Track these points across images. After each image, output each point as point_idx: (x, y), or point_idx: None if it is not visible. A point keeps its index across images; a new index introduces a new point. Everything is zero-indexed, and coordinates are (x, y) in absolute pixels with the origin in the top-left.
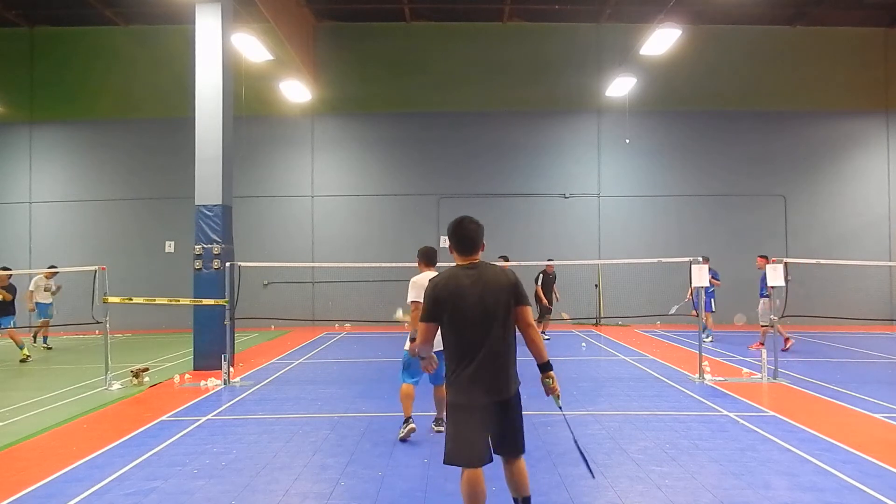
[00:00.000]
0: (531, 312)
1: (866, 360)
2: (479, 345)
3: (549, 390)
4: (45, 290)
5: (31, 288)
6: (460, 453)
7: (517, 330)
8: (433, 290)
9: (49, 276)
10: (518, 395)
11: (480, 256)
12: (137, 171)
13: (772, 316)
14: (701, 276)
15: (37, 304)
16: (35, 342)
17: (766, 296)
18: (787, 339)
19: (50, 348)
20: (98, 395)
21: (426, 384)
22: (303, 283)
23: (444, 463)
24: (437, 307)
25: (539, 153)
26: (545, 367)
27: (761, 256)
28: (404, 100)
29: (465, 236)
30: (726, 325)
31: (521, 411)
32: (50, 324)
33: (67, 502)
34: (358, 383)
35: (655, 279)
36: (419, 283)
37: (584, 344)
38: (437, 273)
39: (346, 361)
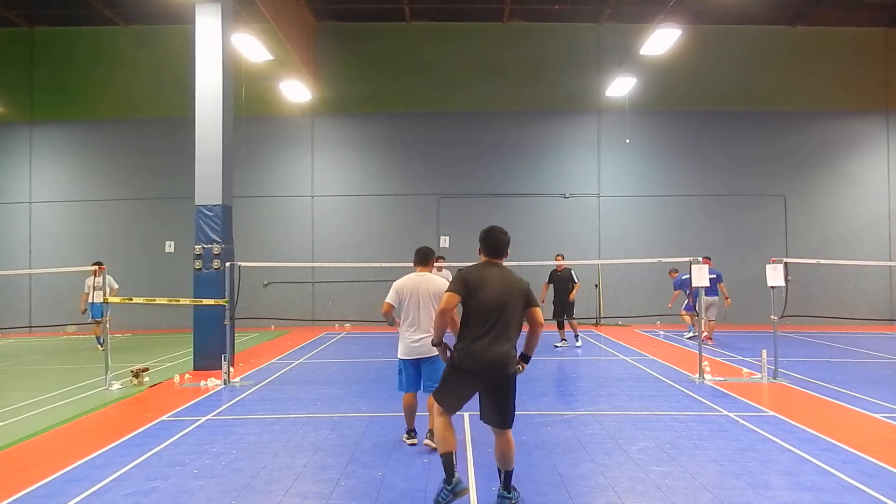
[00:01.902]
0: (541, 313)
1: (866, 360)
2: (492, 324)
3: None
4: (96, 289)
5: (84, 290)
6: (444, 399)
7: (531, 325)
8: (465, 274)
9: (96, 273)
10: (514, 376)
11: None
12: (137, 171)
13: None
14: (701, 276)
15: (91, 304)
16: (99, 345)
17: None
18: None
19: (96, 348)
20: (98, 395)
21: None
22: (303, 283)
23: (433, 397)
24: (464, 286)
25: (539, 153)
26: (525, 358)
27: (705, 258)
28: (404, 100)
29: (495, 243)
30: (725, 324)
31: (514, 391)
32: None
33: (67, 502)
34: (358, 383)
35: (655, 279)
36: (397, 287)
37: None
38: (431, 271)
39: (346, 361)
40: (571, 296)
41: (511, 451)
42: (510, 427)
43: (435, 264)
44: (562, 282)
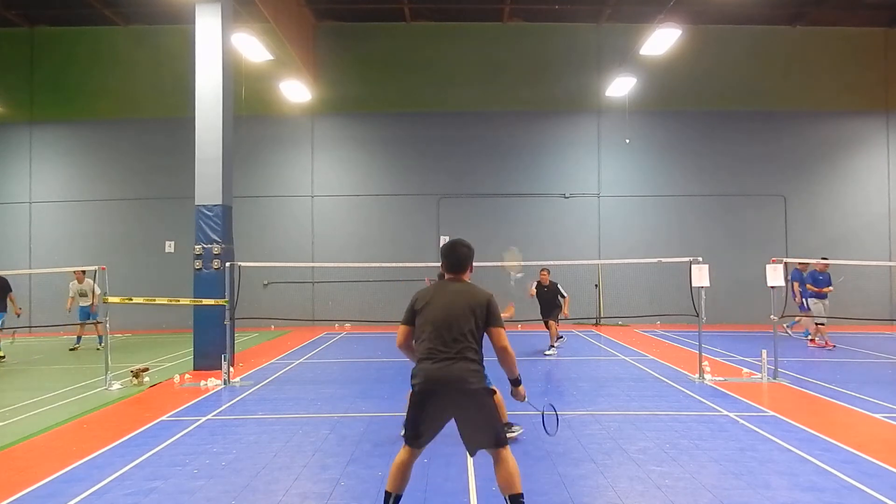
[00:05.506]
0: (503, 335)
1: (866, 360)
2: (436, 339)
3: (520, 398)
4: (80, 294)
5: (70, 294)
6: (414, 433)
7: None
8: (415, 296)
9: (79, 279)
10: (482, 391)
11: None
12: (137, 171)
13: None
14: (701, 276)
15: (80, 308)
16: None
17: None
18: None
19: (73, 349)
20: (98, 395)
21: None
22: (303, 283)
23: (404, 437)
24: (412, 310)
25: (539, 153)
26: (515, 383)
27: (823, 258)
28: (404, 100)
29: (455, 256)
30: (725, 324)
31: (484, 407)
32: (85, 326)
33: (67, 502)
34: (358, 383)
35: (655, 279)
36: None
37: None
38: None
39: (346, 361)
40: (565, 312)
41: (511, 472)
42: (500, 446)
43: None
44: (549, 295)
